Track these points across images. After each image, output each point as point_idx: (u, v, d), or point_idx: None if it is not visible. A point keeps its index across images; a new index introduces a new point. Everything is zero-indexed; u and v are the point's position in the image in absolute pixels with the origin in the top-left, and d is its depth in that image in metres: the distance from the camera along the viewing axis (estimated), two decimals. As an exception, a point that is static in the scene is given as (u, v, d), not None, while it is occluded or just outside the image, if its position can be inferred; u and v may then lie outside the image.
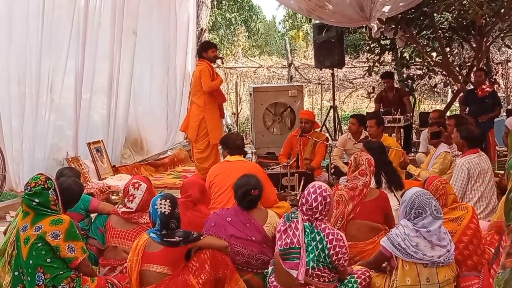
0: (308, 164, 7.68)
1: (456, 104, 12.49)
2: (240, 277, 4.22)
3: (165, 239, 3.89)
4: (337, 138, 9.84)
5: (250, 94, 10.63)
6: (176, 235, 3.91)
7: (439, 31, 10.92)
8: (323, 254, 3.84)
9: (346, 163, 7.09)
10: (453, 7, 9.86)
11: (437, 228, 3.84)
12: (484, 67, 10.93)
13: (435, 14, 10.49)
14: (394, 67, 12.85)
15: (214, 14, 22.77)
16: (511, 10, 9.44)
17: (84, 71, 8.03)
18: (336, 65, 11.15)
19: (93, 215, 5.01)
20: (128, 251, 4.13)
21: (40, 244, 3.78)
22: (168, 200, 3.96)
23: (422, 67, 12.35)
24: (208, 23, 13.56)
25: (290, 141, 8.06)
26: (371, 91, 12.79)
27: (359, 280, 4.02)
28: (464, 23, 10.65)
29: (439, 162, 6.58)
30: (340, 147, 8.00)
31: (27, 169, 7.22)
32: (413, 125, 11.21)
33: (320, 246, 3.84)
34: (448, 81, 12.88)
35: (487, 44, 11.03)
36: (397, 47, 11.25)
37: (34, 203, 3.86)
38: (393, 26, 9.99)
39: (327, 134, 10.29)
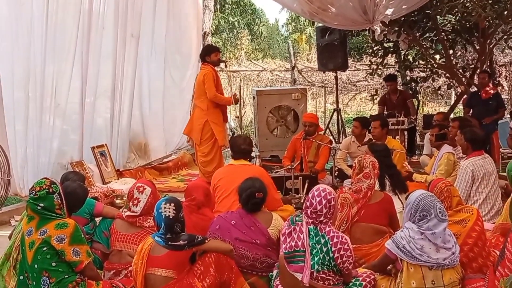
0: (312, 167, 7.68)
1: (460, 106, 12.46)
2: (245, 280, 4.22)
3: (169, 242, 3.89)
4: (340, 141, 9.84)
5: (254, 97, 10.64)
6: (180, 239, 3.91)
7: (442, 34, 10.92)
8: (328, 257, 3.83)
9: (350, 166, 7.09)
10: (456, 9, 9.86)
11: (442, 231, 3.83)
12: (488, 69, 10.92)
13: (438, 17, 10.47)
14: (398, 69, 12.85)
15: (217, 18, 22.78)
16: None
17: (88, 75, 8.06)
18: (340, 68, 11.14)
19: (97, 219, 5.02)
20: (133, 255, 4.13)
21: (45, 248, 3.78)
22: (172, 204, 3.97)
23: (425, 69, 12.34)
24: (211, 26, 13.56)
25: (294, 144, 8.06)
26: (375, 93, 12.79)
27: (364, 283, 4.02)
28: (468, 25, 10.64)
29: (444, 163, 6.57)
30: (344, 150, 8.00)
31: (32, 173, 7.24)
32: (417, 128, 11.20)
33: (324, 249, 3.84)
34: (451, 84, 12.88)
35: (491, 46, 11.01)
36: (400, 49, 11.24)
37: (39, 208, 3.87)
38: (396, 28, 9.99)
39: (331, 137, 10.29)
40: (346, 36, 11.04)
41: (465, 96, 10.68)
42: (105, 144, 8.50)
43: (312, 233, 3.88)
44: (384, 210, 4.81)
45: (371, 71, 12.13)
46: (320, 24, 10.60)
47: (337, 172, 7.64)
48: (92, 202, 4.96)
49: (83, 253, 3.86)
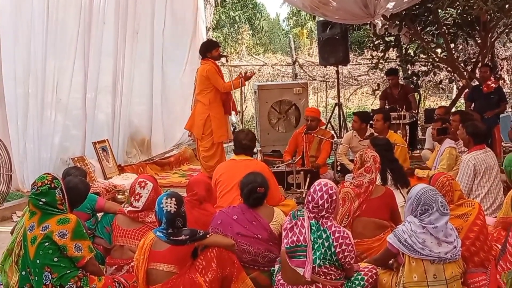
0: (314, 161, 7.67)
1: (462, 100, 12.44)
2: (247, 275, 4.23)
3: (171, 237, 3.89)
4: (342, 136, 9.84)
5: (255, 92, 10.63)
6: (182, 234, 3.92)
7: (444, 27, 10.88)
8: (330, 252, 3.83)
9: (352, 160, 7.08)
10: (458, 3, 9.82)
11: (443, 225, 3.83)
12: (489, 63, 10.89)
13: (439, 10, 10.44)
14: (399, 63, 12.81)
15: (218, 12, 22.77)
16: (516, 6, 9.40)
17: (89, 70, 8.06)
18: (341, 62, 11.13)
19: (99, 214, 5.03)
20: (135, 250, 4.13)
21: (47, 243, 3.79)
22: (174, 199, 3.97)
23: (427, 63, 12.31)
24: (212, 21, 13.56)
25: (296, 138, 8.05)
26: (376, 88, 12.76)
27: (366, 277, 4.02)
28: (469, 19, 10.61)
29: (446, 158, 6.58)
30: (345, 144, 8.00)
31: (33, 169, 7.25)
32: (419, 122, 11.18)
33: (326, 244, 3.83)
34: (453, 77, 12.84)
35: (492, 39, 10.98)
36: (402, 43, 11.21)
37: (40, 203, 3.88)
38: (398, 22, 9.96)
39: (332, 132, 10.28)
40: (347, 30, 11.02)
41: (466, 90, 10.66)
42: (107, 140, 8.50)
43: (313, 227, 3.88)
44: (385, 204, 4.81)
45: (372, 65, 12.10)
46: (321, 19, 10.57)
47: (339, 167, 7.63)
48: (93, 198, 4.97)
49: (85, 248, 3.87)
